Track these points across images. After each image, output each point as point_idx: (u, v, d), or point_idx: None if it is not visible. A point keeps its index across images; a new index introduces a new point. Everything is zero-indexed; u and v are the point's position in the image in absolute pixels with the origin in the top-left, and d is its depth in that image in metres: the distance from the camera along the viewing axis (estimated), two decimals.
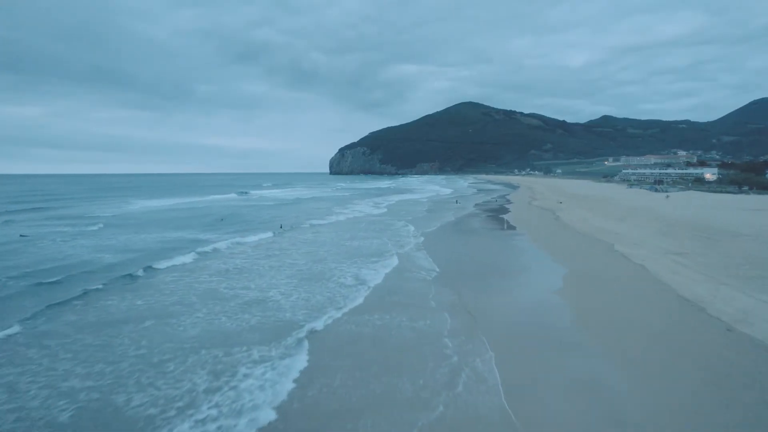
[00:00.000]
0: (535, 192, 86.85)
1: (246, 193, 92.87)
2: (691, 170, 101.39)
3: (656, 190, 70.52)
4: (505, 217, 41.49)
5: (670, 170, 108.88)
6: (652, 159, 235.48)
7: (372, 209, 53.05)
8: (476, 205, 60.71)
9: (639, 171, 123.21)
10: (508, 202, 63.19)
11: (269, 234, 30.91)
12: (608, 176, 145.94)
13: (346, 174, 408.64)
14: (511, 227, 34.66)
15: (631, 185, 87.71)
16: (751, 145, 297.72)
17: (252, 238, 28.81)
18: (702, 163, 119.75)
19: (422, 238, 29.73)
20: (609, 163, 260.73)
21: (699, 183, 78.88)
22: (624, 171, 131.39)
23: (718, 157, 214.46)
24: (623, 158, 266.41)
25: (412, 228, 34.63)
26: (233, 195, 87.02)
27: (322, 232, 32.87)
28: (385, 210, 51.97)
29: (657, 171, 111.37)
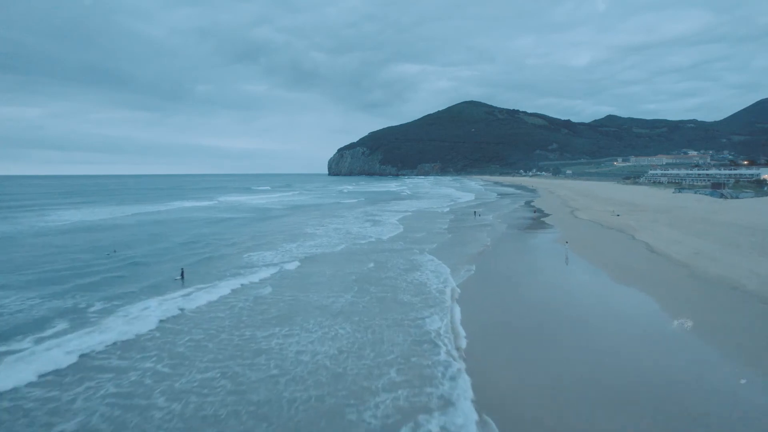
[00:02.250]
0: (564, 198, 72.94)
1: (219, 200, 78.96)
2: (743, 170, 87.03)
3: (722, 196, 56.63)
4: (566, 246, 27.22)
5: (713, 171, 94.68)
6: (664, 159, 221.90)
7: (375, 228, 38.94)
8: (502, 217, 47.05)
9: (670, 172, 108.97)
10: (543, 213, 49.28)
11: (132, 309, 15.68)
12: (630, 177, 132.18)
13: (345, 175, 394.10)
14: (589, 267, 21.01)
15: (680, 189, 73.65)
16: (764, 145, 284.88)
17: (74, 334, 13.36)
18: (751, 162, 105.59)
19: (460, 311, 16.11)
20: (618, 163, 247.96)
21: None
22: (652, 172, 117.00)
23: (731, 156, 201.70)
24: (632, 158, 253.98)
25: (435, 280, 20.91)
26: (212, 202, 73.19)
27: (253, 297, 17.77)
28: (401, 229, 37.58)
29: (695, 172, 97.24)
